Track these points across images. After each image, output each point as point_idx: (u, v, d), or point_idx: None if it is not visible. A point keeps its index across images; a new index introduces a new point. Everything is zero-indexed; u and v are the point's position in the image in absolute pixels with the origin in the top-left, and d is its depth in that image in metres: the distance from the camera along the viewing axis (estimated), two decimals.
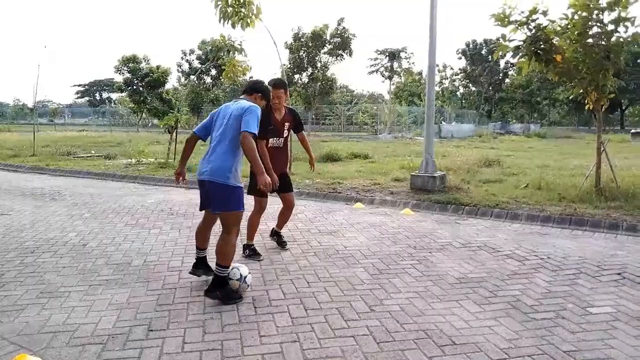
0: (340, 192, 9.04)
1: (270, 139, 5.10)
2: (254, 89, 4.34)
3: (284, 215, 5.61)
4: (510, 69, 56.72)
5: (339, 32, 35.95)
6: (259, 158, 3.92)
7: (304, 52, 36.23)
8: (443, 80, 59.97)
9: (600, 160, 8.14)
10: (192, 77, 45.44)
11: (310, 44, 35.80)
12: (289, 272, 4.70)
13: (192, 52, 48.23)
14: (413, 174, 9.26)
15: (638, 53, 46.32)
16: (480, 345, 3.23)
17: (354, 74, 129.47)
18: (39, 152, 16.43)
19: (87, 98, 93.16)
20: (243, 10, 9.49)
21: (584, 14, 7.49)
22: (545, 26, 7.71)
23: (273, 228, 5.76)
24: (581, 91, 8.03)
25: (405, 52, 53.40)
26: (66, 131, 35.42)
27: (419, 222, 6.95)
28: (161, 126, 14.27)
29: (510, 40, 7.97)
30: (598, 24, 7.56)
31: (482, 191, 8.71)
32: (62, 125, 50.78)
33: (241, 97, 4.32)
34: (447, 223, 6.87)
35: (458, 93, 61.74)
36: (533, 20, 7.69)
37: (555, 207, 7.39)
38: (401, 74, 55.72)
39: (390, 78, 54.98)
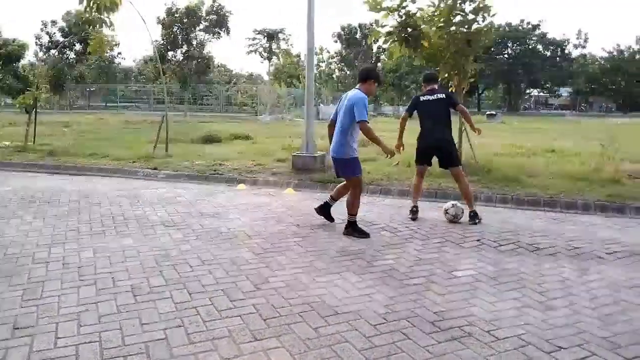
0: (222, 174, 8.89)
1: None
2: (368, 76, 5.31)
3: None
4: (382, 53, 59.53)
5: (214, 9, 34.91)
6: (377, 137, 5.16)
7: (177, 29, 34.68)
8: (320, 63, 61.13)
9: (461, 139, 8.93)
10: (52, 51, 41.22)
11: (184, 20, 34.34)
12: (170, 257, 4.56)
13: (54, 23, 43.60)
14: (294, 154, 9.41)
15: (492, 42, 51.19)
16: (360, 313, 3.43)
17: (232, 53, 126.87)
18: None
19: None
20: None
21: (449, 2, 8.08)
22: (414, 13, 8.20)
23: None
24: (446, 75, 8.71)
25: (283, 33, 53.49)
26: None
27: (301, 201, 7.10)
28: (17, 106, 12.82)
29: (382, 26, 8.36)
30: (461, 13, 8.22)
31: None
32: None
33: (357, 86, 5.32)
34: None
35: (334, 76, 63.40)
36: (403, 7, 8.13)
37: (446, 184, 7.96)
38: (280, 55, 55.78)
39: (269, 59, 54.80)
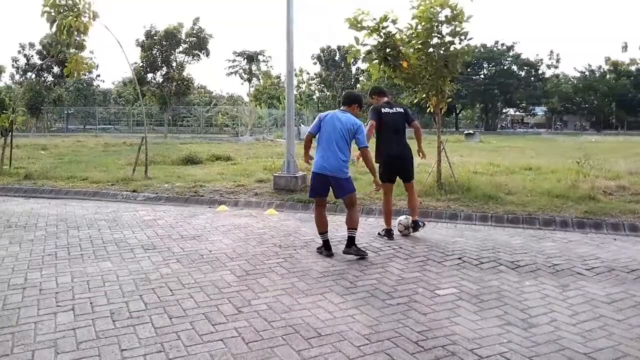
0: (202, 196, 8.83)
1: None
2: (354, 101, 5.48)
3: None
4: (361, 75, 60.31)
5: (194, 31, 35.09)
6: (374, 166, 5.51)
7: (157, 51, 34.72)
8: (300, 85, 61.70)
9: (441, 158, 9.04)
10: (29, 74, 40.78)
11: (164, 43, 34.43)
12: (149, 281, 4.48)
13: (32, 46, 43.29)
14: (276, 174, 9.41)
15: (468, 63, 52.31)
16: (344, 334, 3.40)
17: (212, 75, 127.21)
18: None
19: None
20: (77, 18, 9.27)
21: (427, 25, 8.25)
22: (394, 34, 8.34)
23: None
24: (424, 95, 8.84)
25: (263, 55, 53.87)
26: None
27: (283, 222, 7.08)
28: None
29: (363, 45, 8.48)
30: (438, 35, 8.39)
31: None
32: None
33: (342, 108, 5.46)
34: (309, 221, 7.07)
35: (314, 97, 63.92)
36: (384, 28, 8.27)
37: (403, 202, 8.00)
38: (260, 77, 56.12)
39: (249, 80, 55.06)
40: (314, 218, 5.54)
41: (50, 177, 10.74)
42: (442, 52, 8.43)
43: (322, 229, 5.38)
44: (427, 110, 9.24)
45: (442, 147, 9.03)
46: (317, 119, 5.44)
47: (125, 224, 6.81)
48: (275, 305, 3.93)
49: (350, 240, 5.28)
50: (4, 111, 12.95)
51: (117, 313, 3.75)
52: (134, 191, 9.22)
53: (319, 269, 4.86)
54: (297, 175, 9.22)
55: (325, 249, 5.39)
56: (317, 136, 5.35)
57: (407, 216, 6.32)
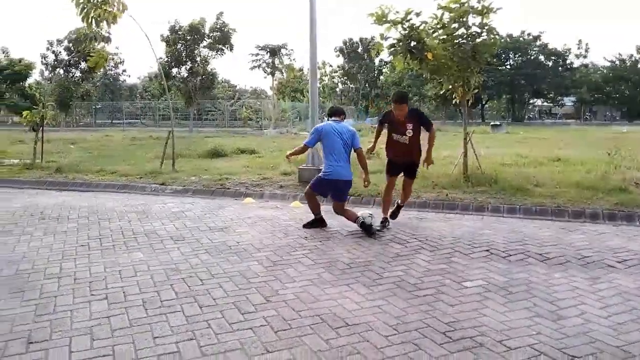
0: (229, 188, 8.94)
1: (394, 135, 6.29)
2: (340, 112, 6.46)
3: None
4: (384, 66, 59.82)
5: (218, 26, 35.28)
6: (367, 164, 6.26)
7: (182, 46, 35.04)
8: (323, 77, 61.53)
9: (467, 150, 8.95)
10: (58, 69, 41.63)
11: (188, 37, 34.72)
12: (179, 271, 4.58)
13: (60, 42, 44.13)
14: (300, 167, 9.45)
15: (495, 53, 51.36)
16: (371, 324, 3.43)
17: (236, 69, 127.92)
18: None
19: None
20: (106, 7, 9.40)
21: (454, 15, 8.15)
22: (418, 26, 8.26)
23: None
24: (450, 87, 8.75)
25: (285, 48, 53.80)
26: None
27: (308, 214, 7.08)
28: (24, 124, 12.93)
29: (386, 38, 8.43)
30: (465, 26, 8.28)
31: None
32: None
33: (332, 119, 6.26)
34: (334, 213, 7.10)
35: (337, 90, 63.69)
36: (408, 21, 8.20)
37: (429, 194, 7.99)
38: (283, 70, 56.09)
39: (272, 74, 55.12)
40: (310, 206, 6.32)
41: (81, 171, 11.00)
42: (470, 43, 8.32)
43: (317, 210, 6.26)
44: (453, 102, 9.15)
45: (468, 139, 8.93)
46: (314, 131, 6.21)
47: (154, 216, 6.95)
48: (302, 295, 3.97)
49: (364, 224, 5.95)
50: (35, 107, 13.29)
51: (149, 302, 3.84)
52: (162, 184, 9.39)
53: (345, 260, 4.89)
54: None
55: (320, 223, 6.23)
56: (314, 146, 6.43)
57: (371, 214, 6.10)
